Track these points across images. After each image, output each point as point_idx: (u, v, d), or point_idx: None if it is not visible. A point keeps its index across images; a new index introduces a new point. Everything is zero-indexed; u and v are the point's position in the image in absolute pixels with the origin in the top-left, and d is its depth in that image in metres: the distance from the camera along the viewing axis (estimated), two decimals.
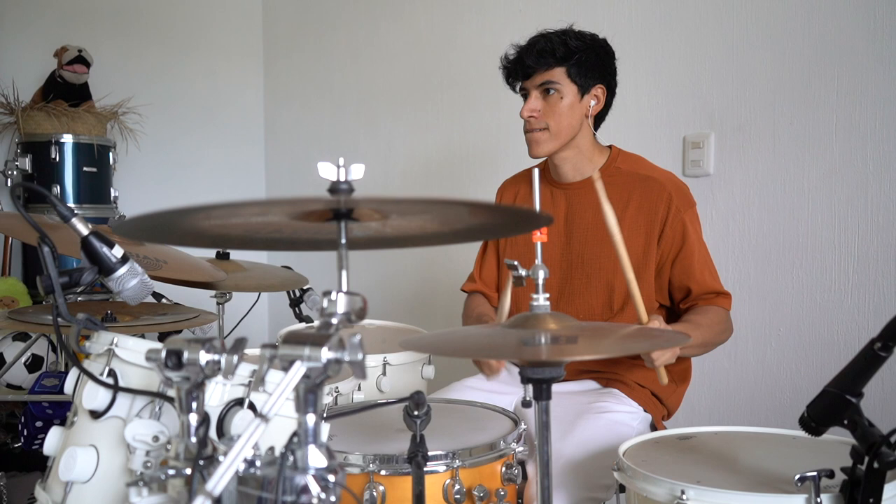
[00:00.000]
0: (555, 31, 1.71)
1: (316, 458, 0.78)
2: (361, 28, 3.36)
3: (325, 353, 0.76)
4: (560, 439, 1.57)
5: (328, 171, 0.86)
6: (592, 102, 1.71)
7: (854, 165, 1.98)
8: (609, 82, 1.74)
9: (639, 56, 2.37)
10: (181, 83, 3.59)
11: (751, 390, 2.19)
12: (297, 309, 2.36)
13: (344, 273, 0.87)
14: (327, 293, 0.84)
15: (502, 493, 1.26)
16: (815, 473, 0.95)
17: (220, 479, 0.65)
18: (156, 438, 0.95)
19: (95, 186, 3.01)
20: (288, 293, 2.34)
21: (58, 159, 2.91)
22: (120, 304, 1.82)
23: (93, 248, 1.11)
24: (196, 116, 3.63)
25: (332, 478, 0.77)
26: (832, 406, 0.97)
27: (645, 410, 1.72)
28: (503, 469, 1.30)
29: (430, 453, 1.22)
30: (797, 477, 0.96)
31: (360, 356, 0.77)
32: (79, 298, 2.37)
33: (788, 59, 2.08)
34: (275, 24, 3.84)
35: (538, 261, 1.03)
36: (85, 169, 2.97)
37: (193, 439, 0.83)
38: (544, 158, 1.78)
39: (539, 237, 1.03)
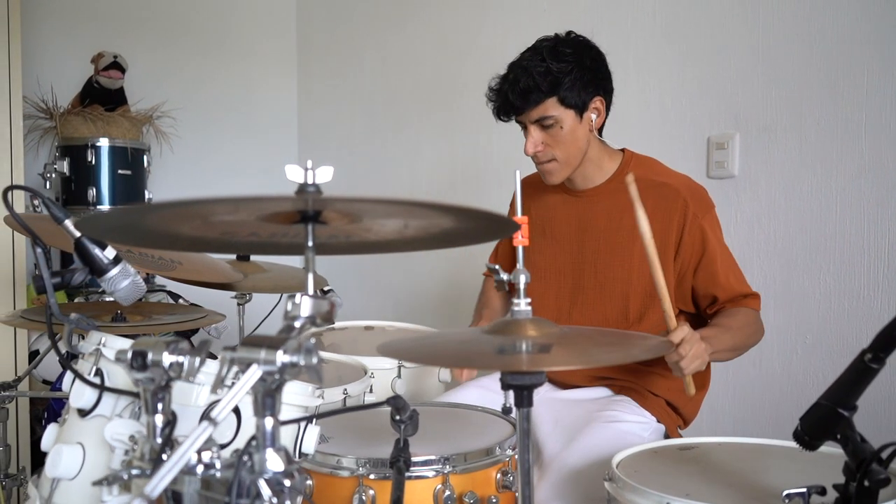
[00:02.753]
0: (533, 56, 1.60)
1: (273, 462, 0.77)
2: (390, 30, 3.37)
3: (280, 357, 0.75)
4: (565, 447, 1.54)
5: (295, 174, 0.86)
6: (594, 116, 1.63)
7: (884, 166, 1.89)
8: (606, 88, 1.65)
9: (662, 55, 2.32)
10: (215, 87, 3.65)
11: (776, 399, 2.11)
12: None
13: (310, 276, 0.86)
14: (291, 296, 0.84)
15: (494, 501, 1.24)
16: (804, 490, 0.91)
17: (160, 482, 0.65)
18: (132, 438, 0.95)
19: (130, 189, 3.08)
20: None
21: (94, 162, 2.99)
22: (133, 304, 1.85)
23: (85, 250, 1.13)
24: (229, 120, 3.68)
25: (287, 482, 0.77)
26: (825, 419, 0.92)
27: (658, 420, 1.67)
28: (498, 475, 1.28)
29: (420, 458, 1.21)
30: (784, 493, 0.92)
31: (314, 360, 0.76)
32: (104, 298, 2.43)
33: (815, 57, 2.00)
34: (308, 28, 3.87)
35: (519, 265, 1.01)
36: (120, 172, 3.04)
37: (159, 440, 0.84)
38: None
39: (521, 241, 1.01)
